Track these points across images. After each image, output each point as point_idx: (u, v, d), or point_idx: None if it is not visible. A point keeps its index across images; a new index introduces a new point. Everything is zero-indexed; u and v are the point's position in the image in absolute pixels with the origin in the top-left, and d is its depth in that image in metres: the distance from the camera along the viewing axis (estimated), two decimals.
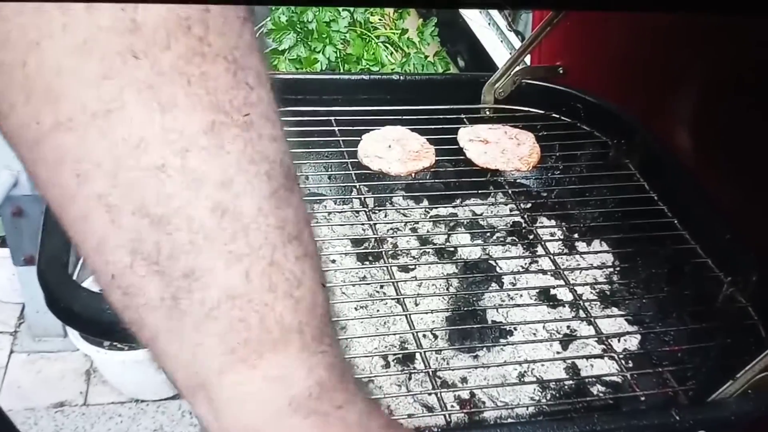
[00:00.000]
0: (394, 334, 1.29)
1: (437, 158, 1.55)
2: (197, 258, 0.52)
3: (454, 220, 1.53)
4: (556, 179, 1.58)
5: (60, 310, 1.14)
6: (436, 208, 1.57)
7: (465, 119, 1.66)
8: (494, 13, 3.10)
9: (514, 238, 1.50)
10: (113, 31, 0.47)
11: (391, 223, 1.52)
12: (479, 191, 1.58)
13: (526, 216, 1.52)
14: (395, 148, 1.53)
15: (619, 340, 1.32)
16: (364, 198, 1.51)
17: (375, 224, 1.45)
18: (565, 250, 1.48)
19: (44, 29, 0.46)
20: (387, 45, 3.18)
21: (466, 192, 1.58)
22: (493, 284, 1.40)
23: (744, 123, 1.35)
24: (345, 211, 1.55)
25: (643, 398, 1.19)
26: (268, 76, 0.55)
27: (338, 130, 1.57)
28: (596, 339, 1.30)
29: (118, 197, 0.50)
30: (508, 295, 1.38)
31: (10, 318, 3.02)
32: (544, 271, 1.42)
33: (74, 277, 1.31)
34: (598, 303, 1.39)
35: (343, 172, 1.56)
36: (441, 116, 1.64)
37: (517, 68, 1.66)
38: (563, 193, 1.57)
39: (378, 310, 1.34)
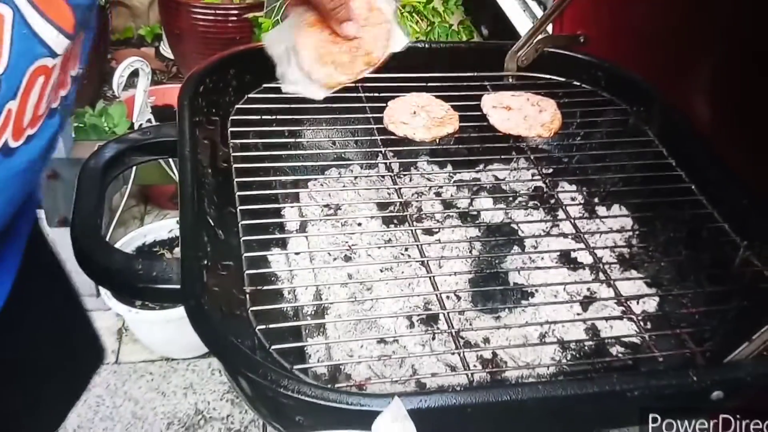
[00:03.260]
0: (419, 296, 1.31)
1: (461, 124, 1.55)
2: None
3: (477, 185, 1.55)
4: (576, 145, 1.59)
5: (93, 270, 1.17)
6: (460, 173, 1.59)
7: (488, 86, 1.66)
8: None
9: (535, 202, 1.52)
10: None
11: (416, 187, 1.54)
12: (502, 156, 1.60)
13: (547, 181, 1.53)
14: (420, 115, 1.54)
15: (637, 302, 1.34)
16: (390, 163, 1.52)
17: (400, 188, 1.47)
18: (586, 214, 1.50)
19: None
20: (412, 14, 3.18)
21: (489, 157, 1.59)
22: (515, 247, 1.42)
23: (761, 91, 1.36)
24: (371, 176, 1.57)
25: (661, 359, 1.19)
26: None
27: (365, 96, 1.58)
28: (615, 301, 1.32)
29: None
30: (530, 258, 1.41)
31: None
32: (564, 235, 1.45)
33: (107, 239, 1.34)
34: (618, 266, 1.41)
35: (369, 138, 1.57)
36: (465, 83, 1.64)
37: (540, 37, 1.66)
38: (584, 158, 1.57)
39: (403, 272, 1.36)
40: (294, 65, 1.30)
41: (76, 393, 1.57)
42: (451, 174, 1.59)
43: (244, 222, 1.29)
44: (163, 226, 3.04)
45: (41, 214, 2.72)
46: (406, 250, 1.40)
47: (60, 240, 2.75)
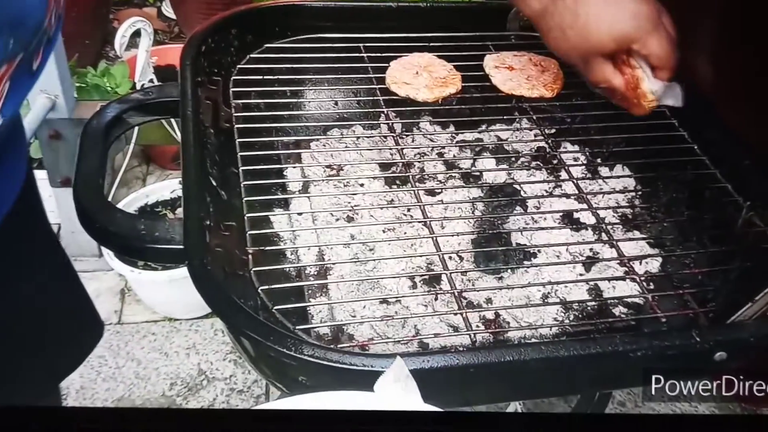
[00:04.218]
0: (421, 256, 1.31)
1: (463, 84, 1.55)
2: None
3: (480, 145, 1.55)
4: (579, 105, 1.57)
5: (95, 230, 1.17)
6: (462, 133, 1.58)
7: (491, 46, 1.66)
8: None
9: (538, 162, 1.51)
10: None
11: (418, 148, 1.54)
12: (504, 117, 1.59)
13: (550, 141, 1.53)
14: (422, 75, 1.54)
15: (640, 263, 1.34)
16: (392, 123, 1.52)
17: (402, 149, 1.47)
18: (588, 175, 1.50)
19: None
20: None
21: (492, 118, 1.59)
22: (518, 208, 1.42)
23: (762, 53, 1.36)
24: (373, 136, 1.57)
25: (664, 320, 1.20)
26: None
27: (367, 56, 1.58)
28: (618, 261, 1.32)
29: None
30: (532, 219, 1.40)
31: None
32: (567, 195, 1.44)
33: (109, 199, 1.34)
34: (620, 226, 1.41)
35: (371, 98, 1.57)
36: (467, 43, 1.64)
37: None
38: (586, 119, 1.56)
39: (405, 233, 1.36)
40: None
41: (69, 366, 1.57)
42: (453, 134, 1.59)
43: (246, 182, 1.29)
44: (166, 187, 3.04)
45: (42, 174, 2.73)
46: (409, 210, 1.40)
47: (62, 200, 2.78)
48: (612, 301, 1.29)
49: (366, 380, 0.91)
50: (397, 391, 0.90)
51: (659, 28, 1.29)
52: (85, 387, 2.60)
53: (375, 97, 1.54)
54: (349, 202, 1.41)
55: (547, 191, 1.46)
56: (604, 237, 1.35)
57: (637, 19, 1.27)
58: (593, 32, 1.27)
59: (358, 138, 1.56)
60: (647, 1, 1.29)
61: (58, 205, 2.84)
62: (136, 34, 2.89)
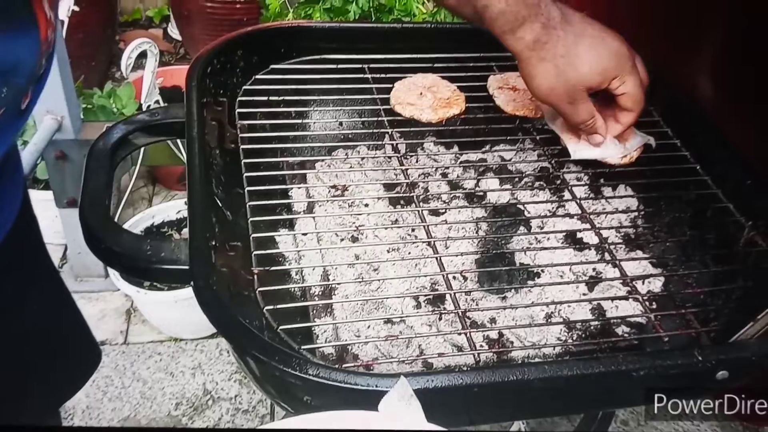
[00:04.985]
0: (425, 276, 1.32)
1: (467, 105, 1.55)
2: None
3: (484, 166, 1.55)
4: None
5: (101, 251, 1.17)
6: (466, 153, 1.59)
7: (494, 67, 1.66)
8: None
9: (541, 182, 1.51)
10: None
11: (423, 168, 1.54)
12: (508, 137, 1.60)
13: (553, 161, 1.53)
14: (426, 96, 1.54)
15: (643, 282, 1.34)
16: (396, 144, 1.52)
17: (407, 169, 1.46)
18: (591, 195, 1.50)
19: None
20: None
21: (496, 138, 1.60)
22: (521, 228, 1.42)
23: (765, 70, 1.36)
24: (378, 157, 1.57)
25: (666, 339, 1.19)
26: None
27: (371, 77, 1.59)
28: (621, 281, 1.32)
29: None
30: (536, 239, 1.41)
31: (53, 259, 3.05)
32: (570, 215, 1.44)
33: (115, 220, 1.34)
34: (623, 246, 1.41)
35: (376, 119, 1.57)
36: (471, 64, 1.65)
37: None
38: None
39: (409, 253, 1.36)
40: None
41: (67, 392, 1.58)
42: (457, 155, 1.59)
43: (251, 203, 1.30)
44: (172, 207, 3.05)
45: (49, 195, 2.75)
46: (413, 230, 1.40)
47: (68, 221, 2.79)
48: (615, 320, 1.29)
49: (370, 400, 0.92)
50: (401, 411, 0.91)
51: (635, 70, 1.33)
52: (91, 407, 2.61)
53: (379, 118, 1.54)
54: (354, 222, 1.41)
55: (550, 211, 1.46)
56: (607, 257, 1.35)
57: (620, 56, 1.31)
58: (584, 63, 1.29)
59: (362, 158, 1.56)
60: (626, 44, 1.33)
61: (64, 226, 2.85)
62: (142, 55, 2.90)
